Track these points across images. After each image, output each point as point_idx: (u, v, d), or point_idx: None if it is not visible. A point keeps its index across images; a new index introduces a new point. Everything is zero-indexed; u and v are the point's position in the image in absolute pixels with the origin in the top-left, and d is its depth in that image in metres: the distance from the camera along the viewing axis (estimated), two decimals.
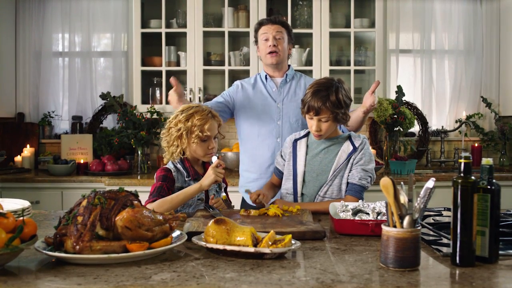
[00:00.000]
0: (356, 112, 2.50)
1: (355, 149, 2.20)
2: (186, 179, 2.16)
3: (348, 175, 2.19)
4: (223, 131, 2.29)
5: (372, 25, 4.02)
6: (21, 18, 4.24)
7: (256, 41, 2.79)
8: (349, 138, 2.25)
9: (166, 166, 2.20)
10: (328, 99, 2.11)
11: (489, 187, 1.35)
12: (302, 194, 2.24)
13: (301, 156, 2.27)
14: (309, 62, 4.02)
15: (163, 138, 2.22)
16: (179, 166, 2.19)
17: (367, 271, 1.30)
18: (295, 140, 2.33)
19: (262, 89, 2.77)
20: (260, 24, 2.74)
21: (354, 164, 2.19)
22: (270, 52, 2.68)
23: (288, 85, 2.75)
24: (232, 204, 2.32)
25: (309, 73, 3.92)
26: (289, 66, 2.83)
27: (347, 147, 2.22)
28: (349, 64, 4.03)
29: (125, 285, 1.18)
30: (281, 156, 2.38)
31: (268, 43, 2.68)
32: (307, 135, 2.32)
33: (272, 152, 2.66)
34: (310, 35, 3.95)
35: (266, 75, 2.78)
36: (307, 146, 2.29)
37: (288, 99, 2.72)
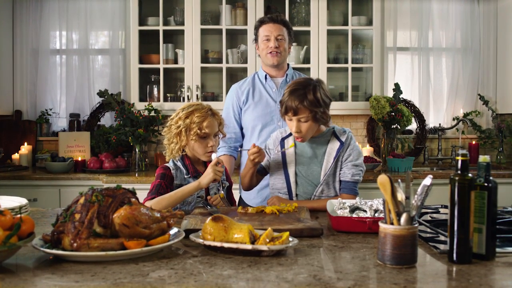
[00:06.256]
0: None
1: (342, 144, 2.18)
2: (186, 176, 2.16)
3: (340, 173, 2.19)
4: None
5: (369, 23, 4.02)
6: (18, 16, 4.23)
7: (256, 39, 2.77)
8: (334, 133, 2.22)
9: (166, 164, 2.20)
10: (305, 97, 2.07)
11: (486, 184, 1.36)
12: (296, 194, 2.22)
13: (290, 156, 2.23)
14: (306, 59, 4.02)
15: (164, 135, 2.22)
16: (179, 163, 2.18)
17: (365, 268, 1.30)
18: (282, 139, 2.28)
19: (262, 90, 2.75)
20: (261, 22, 2.72)
21: (344, 161, 2.18)
22: (271, 52, 2.67)
23: None
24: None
25: (306, 70, 3.92)
26: (288, 65, 2.81)
27: (333, 143, 2.19)
28: (346, 62, 4.03)
29: (122, 283, 1.18)
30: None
31: (269, 43, 2.67)
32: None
33: None
34: (308, 32, 3.95)
35: (266, 75, 2.77)
36: (295, 145, 2.25)
37: None
